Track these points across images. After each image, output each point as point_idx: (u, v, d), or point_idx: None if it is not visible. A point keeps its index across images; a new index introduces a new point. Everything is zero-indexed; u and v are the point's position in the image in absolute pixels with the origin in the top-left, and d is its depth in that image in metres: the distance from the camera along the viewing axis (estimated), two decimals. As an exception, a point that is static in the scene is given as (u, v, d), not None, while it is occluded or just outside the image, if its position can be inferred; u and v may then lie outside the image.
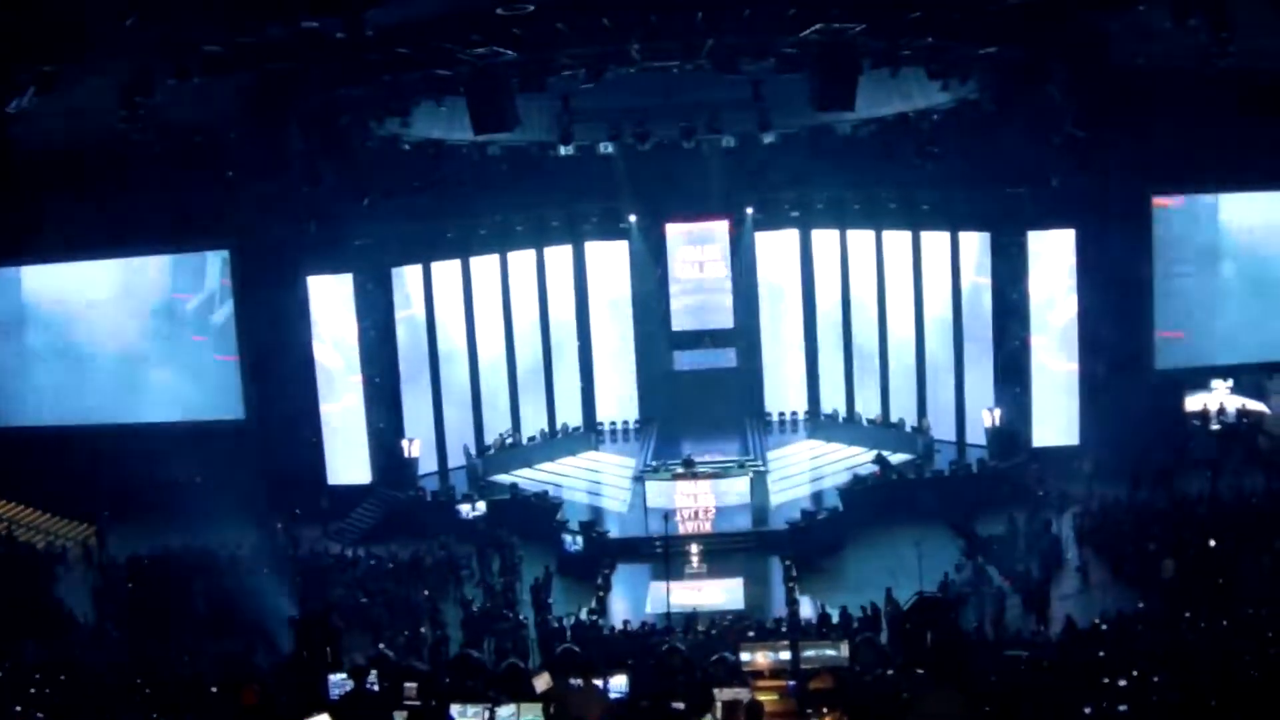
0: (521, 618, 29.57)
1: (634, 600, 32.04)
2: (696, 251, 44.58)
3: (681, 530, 34.79)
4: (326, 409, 38.51)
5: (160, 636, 27.91)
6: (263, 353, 38.26)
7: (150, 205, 35.21)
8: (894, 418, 41.18)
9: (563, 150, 35.78)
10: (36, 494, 37.77)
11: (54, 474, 36.87)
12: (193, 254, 39.19)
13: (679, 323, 44.75)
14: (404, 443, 38.84)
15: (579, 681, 17.05)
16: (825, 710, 16.35)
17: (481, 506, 35.63)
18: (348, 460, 38.62)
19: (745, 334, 44.41)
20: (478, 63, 27.16)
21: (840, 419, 43.05)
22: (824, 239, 43.23)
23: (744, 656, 19.67)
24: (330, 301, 38.36)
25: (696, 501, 35.46)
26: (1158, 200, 37.88)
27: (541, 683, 17.51)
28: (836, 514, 35.21)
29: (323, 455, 38.44)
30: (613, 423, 44.87)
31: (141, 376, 39.46)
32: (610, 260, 44.33)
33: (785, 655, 19.70)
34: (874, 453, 38.22)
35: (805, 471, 39.23)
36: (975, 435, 39.38)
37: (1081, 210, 36.61)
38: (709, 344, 44.64)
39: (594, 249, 44.15)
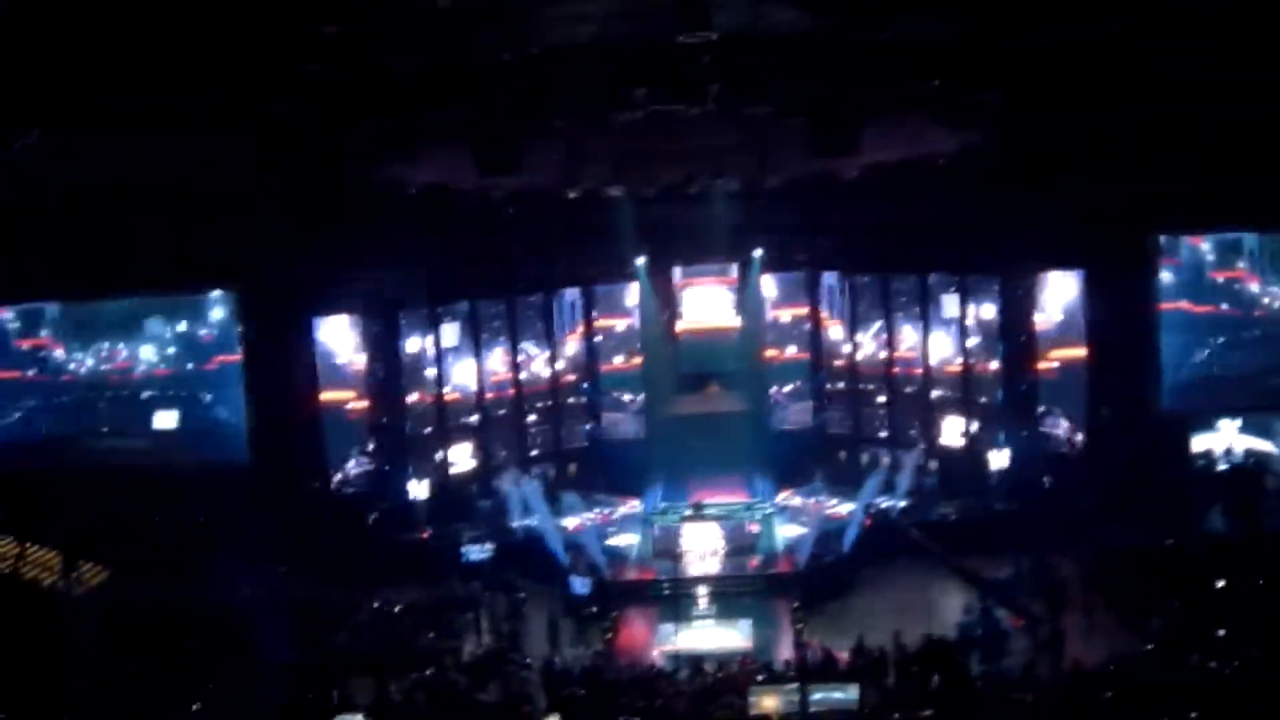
0: (528, 661, 29.48)
1: (641, 643, 31.92)
2: (704, 293, 44.41)
3: (689, 572, 34.76)
4: (332, 450, 38.35)
5: (158, 682, 27.74)
6: (268, 394, 38.16)
7: (155, 245, 35.11)
8: (902, 459, 40.99)
9: (570, 193, 35.83)
10: (41, 532, 37.15)
11: (58, 512, 36.41)
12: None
13: (687, 365, 44.53)
14: (410, 484, 38.80)
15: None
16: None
17: (488, 548, 35.55)
18: (353, 502, 38.43)
19: (753, 376, 44.20)
20: (483, 106, 27.25)
21: (849, 461, 42.92)
22: (832, 281, 43.24)
23: (752, 700, 19.65)
24: (337, 343, 38.35)
25: (704, 544, 35.48)
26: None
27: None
28: (845, 556, 35.16)
29: (328, 498, 38.26)
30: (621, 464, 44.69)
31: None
32: (618, 302, 44.24)
33: (794, 698, 19.67)
34: (872, 500, 38.02)
35: (814, 514, 38.95)
36: (983, 477, 39.30)
37: (1088, 252, 36.69)
38: (717, 386, 44.46)
39: (602, 290, 44.10)
